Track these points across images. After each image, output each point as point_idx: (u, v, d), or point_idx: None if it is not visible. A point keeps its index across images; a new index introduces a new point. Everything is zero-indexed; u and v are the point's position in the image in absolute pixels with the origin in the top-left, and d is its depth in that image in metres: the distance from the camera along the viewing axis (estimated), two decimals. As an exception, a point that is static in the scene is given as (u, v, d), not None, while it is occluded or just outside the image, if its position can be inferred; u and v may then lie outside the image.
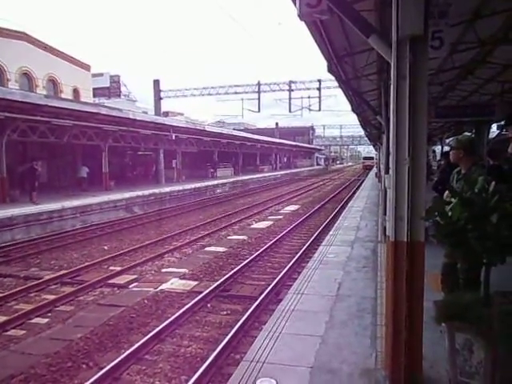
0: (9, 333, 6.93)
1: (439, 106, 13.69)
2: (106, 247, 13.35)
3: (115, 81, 52.71)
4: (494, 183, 3.08)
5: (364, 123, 23.39)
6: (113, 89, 52.07)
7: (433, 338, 3.68)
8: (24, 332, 6.96)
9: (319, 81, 36.67)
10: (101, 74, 49.11)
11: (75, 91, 36.83)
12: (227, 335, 6.30)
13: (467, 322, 3.06)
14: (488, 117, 14.91)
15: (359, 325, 4.97)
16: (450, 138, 26.85)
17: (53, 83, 34.54)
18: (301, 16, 4.28)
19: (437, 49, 4.51)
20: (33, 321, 7.44)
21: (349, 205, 16.87)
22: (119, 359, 5.62)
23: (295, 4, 4.34)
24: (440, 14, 4.66)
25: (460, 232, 3.09)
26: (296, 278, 7.41)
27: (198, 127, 32.27)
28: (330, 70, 8.72)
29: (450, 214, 3.14)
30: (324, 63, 8.55)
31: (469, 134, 19.98)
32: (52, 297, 8.53)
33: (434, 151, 35.39)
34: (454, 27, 6.48)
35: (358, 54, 8.46)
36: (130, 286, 9.24)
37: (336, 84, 18.54)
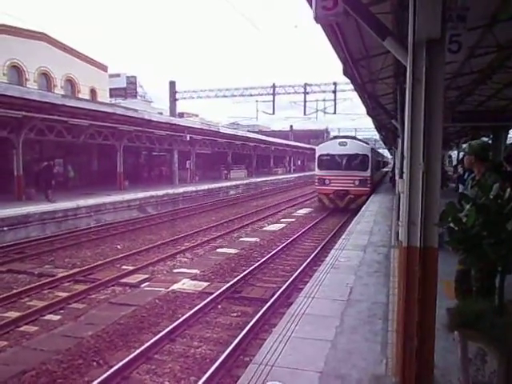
0: (21, 329, 7.03)
1: (456, 111, 13.53)
2: (119, 246, 13.46)
3: (132, 82, 53.21)
4: (509, 190, 3.02)
5: (379, 127, 23.24)
6: (129, 89, 52.56)
7: (445, 346, 3.62)
8: (36, 328, 7.06)
9: (335, 84, 36.53)
10: (118, 75, 49.63)
11: (92, 91, 37.28)
12: (237, 337, 6.30)
13: (480, 331, 3.00)
14: (505, 122, 14.71)
15: (370, 330, 4.92)
16: (466, 144, 26.51)
17: (70, 83, 35.01)
18: (317, 19, 4.26)
19: (455, 52, 4.46)
20: (45, 317, 7.53)
21: (362, 209, 16.74)
22: (129, 358, 5.66)
23: (311, 6, 4.32)
24: (458, 17, 4.61)
25: (474, 238, 3.03)
26: (307, 282, 7.37)
27: (213, 128, 32.38)
28: (345, 73, 8.68)
29: (464, 220, 3.09)
30: (340, 66, 8.52)
31: (486, 139, 19.71)
32: (65, 294, 8.62)
33: (450, 156, 34.97)
34: (472, 31, 6.40)
35: (374, 57, 8.41)
36: (142, 286, 9.30)
37: (351, 87, 18.48)
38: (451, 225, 3.13)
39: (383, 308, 5.66)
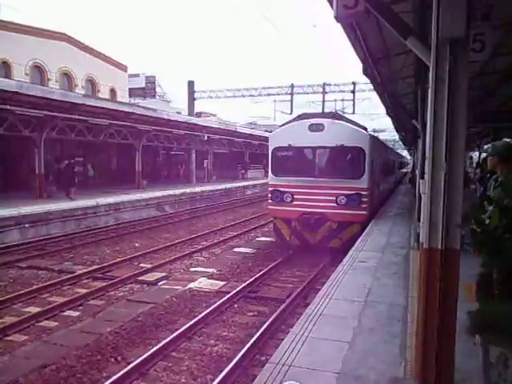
0: (42, 324, 7.16)
1: (477, 111, 13.30)
2: (137, 244, 13.60)
3: (151, 81, 53.67)
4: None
5: (399, 127, 22.99)
6: (148, 89, 53.03)
7: (466, 350, 3.56)
8: (56, 324, 7.18)
9: (354, 83, 36.22)
10: (137, 75, 50.12)
11: (112, 91, 37.73)
12: (253, 336, 6.30)
13: (502, 335, 2.95)
14: (529, 123, 14.37)
15: (388, 332, 4.87)
16: (488, 145, 26.02)
17: (91, 83, 35.49)
18: (338, 18, 4.23)
19: (478, 52, 4.39)
20: (65, 313, 7.66)
21: (380, 210, 16.56)
22: (146, 355, 5.71)
23: (332, 6, 4.30)
24: (483, 16, 4.53)
25: (497, 240, 2.98)
26: (325, 282, 7.33)
27: (230, 128, 32.50)
28: (365, 73, 8.61)
29: (487, 221, 3.04)
30: (359, 66, 8.46)
31: (508, 140, 19.35)
32: (84, 291, 8.75)
33: (471, 157, 34.30)
34: (495, 30, 6.28)
35: (395, 56, 8.31)
36: (159, 284, 9.38)
37: (371, 87, 18.32)
38: (474, 226, 3.08)
39: (402, 310, 5.59)
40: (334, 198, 11.49)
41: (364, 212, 11.67)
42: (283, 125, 13.07)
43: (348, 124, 12.09)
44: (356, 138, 11.68)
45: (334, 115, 12.63)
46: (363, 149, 11.58)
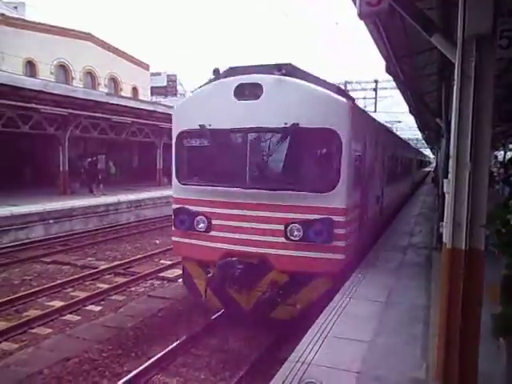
0: (65, 317, 7.34)
1: (502, 110, 12.99)
2: (157, 241, 13.75)
3: (172, 80, 54.11)
4: None
5: (421, 125, 22.63)
6: (169, 88, 53.47)
7: (489, 353, 3.49)
8: (79, 318, 7.34)
9: (376, 81, 35.74)
10: (158, 74, 50.59)
11: (134, 89, 38.15)
12: (272, 334, 6.31)
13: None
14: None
15: (409, 333, 4.81)
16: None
17: (114, 81, 35.97)
18: (361, 15, 4.19)
19: (505, 49, 4.28)
20: (87, 308, 7.82)
21: (402, 210, 16.35)
22: (167, 351, 5.78)
23: (355, 3, 4.25)
24: (510, 11, 4.42)
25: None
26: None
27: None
28: (388, 71, 8.50)
29: (512, 222, 2.98)
30: (382, 63, 8.35)
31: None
32: (106, 286, 8.91)
33: (496, 157, 33.53)
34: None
35: (418, 53, 8.18)
36: (179, 280, 9.44)
37: (393, 85, 18.07)
38: (499, 227, 3.02)
39: (423, 311, 5.51)
40: (282, 228, 6.33)
41: (339, 256, 6.30)
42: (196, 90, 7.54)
43: (308, 84, 6.45)
44: (324, 112, 6.27)
45: (282, 68, 6.53)
46: (337, 133, 6.20)
